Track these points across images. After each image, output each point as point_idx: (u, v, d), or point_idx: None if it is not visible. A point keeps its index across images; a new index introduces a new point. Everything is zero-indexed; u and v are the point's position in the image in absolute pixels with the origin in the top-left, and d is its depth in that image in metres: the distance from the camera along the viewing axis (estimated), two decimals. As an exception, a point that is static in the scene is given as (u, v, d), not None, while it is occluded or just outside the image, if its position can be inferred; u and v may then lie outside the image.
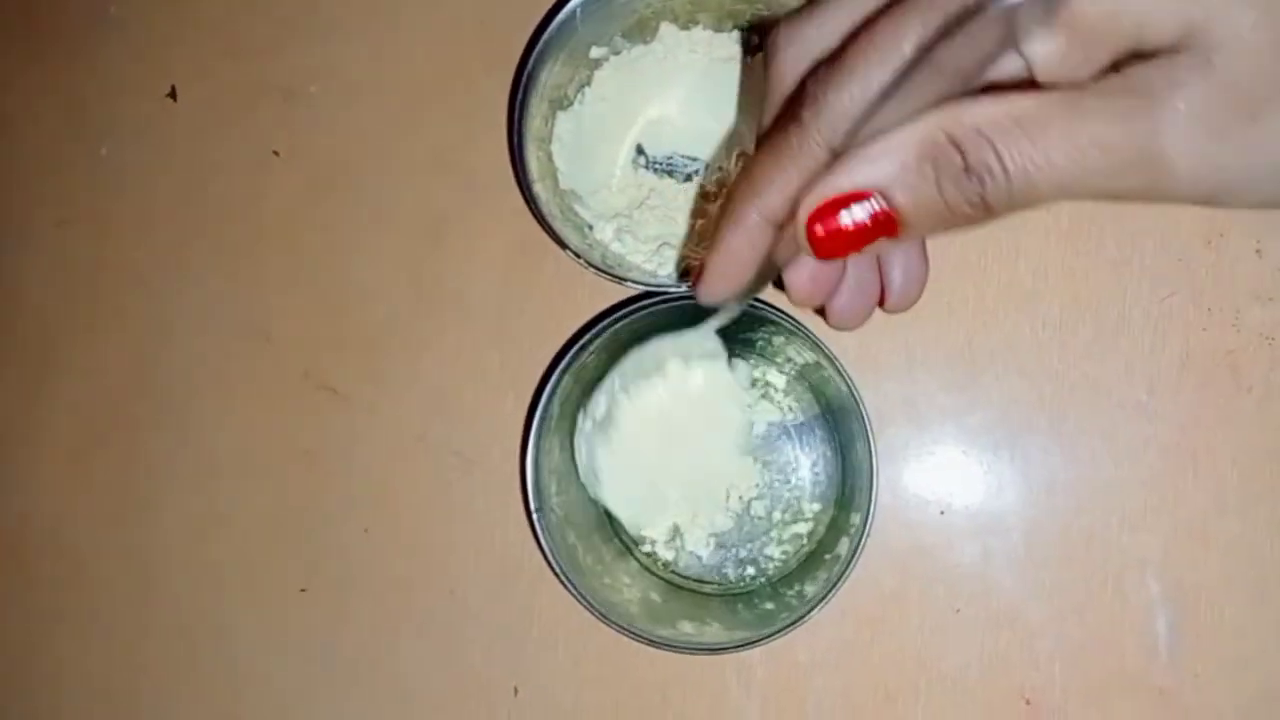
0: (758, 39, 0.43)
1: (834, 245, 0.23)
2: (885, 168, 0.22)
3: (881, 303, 0.30)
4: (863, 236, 0.23)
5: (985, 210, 0.22)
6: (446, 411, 0.47)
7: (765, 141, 0.26)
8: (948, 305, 0.43)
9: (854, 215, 0.23)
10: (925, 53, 0.21)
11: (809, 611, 0.37)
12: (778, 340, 0.42)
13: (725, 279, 0.28)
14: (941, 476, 0.43)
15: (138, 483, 0.50)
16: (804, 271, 0.28)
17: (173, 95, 0.51)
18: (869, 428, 0.38)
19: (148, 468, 0.50)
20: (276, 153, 0.50)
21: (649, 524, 0.43)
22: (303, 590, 0.48)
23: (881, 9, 0.23)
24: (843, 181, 0.23)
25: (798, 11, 0.25)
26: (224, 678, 0.49)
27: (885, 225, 0.23)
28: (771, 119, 0.26)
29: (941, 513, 0.43)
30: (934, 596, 0.42)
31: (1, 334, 0.52)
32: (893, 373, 0.43)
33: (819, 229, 0.23)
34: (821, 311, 0.30)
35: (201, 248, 0.50)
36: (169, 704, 0.49)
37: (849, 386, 0.38)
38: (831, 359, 0.38)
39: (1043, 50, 0.21)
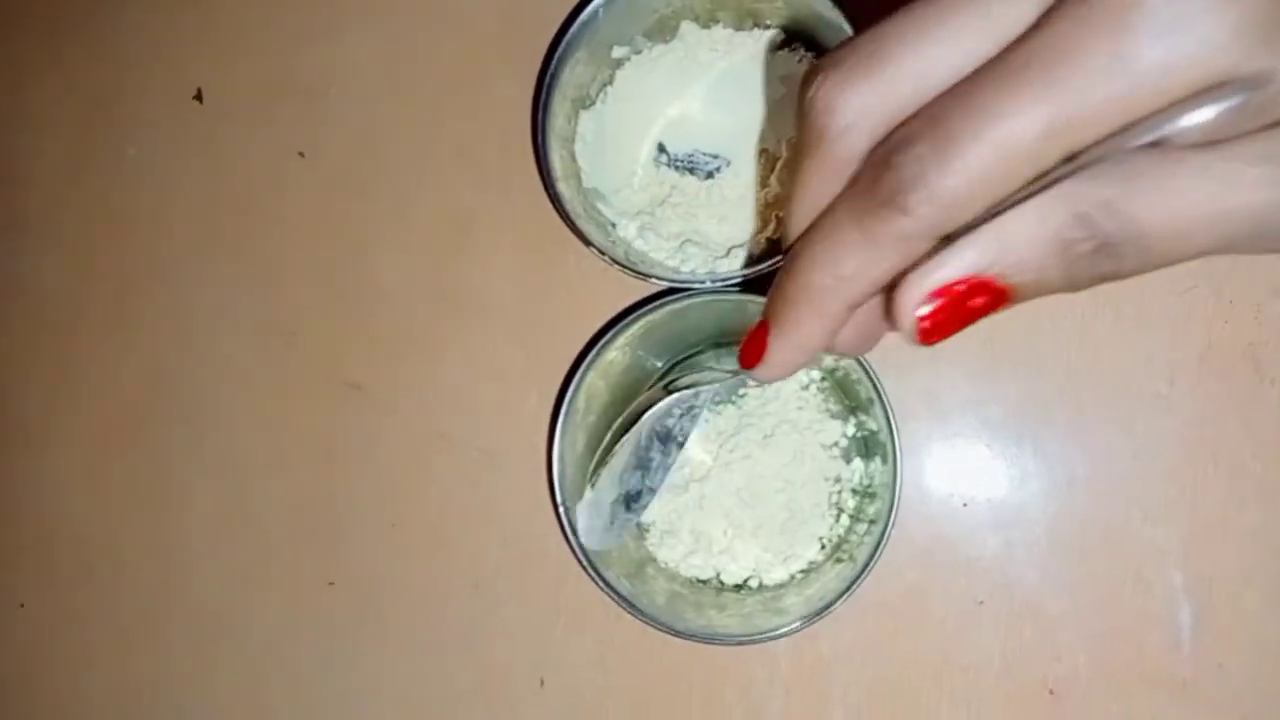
0: (783, 36, 0.44)
1: (942, 331, 0.21)
2: (1008, 253, 0.19)
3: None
4: (972, 317, 0.20)
5: (1116, 278, 0.19)
6: (470, 408, 0.48)
7: (841, 216, 0.21)
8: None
9: (973, 301, 0.20)
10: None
11: (834, 603, 0.38)
12: None
13: (790, 365, 0.24)
14: (963, 469, 0.43)
15: (162, 480, 0.51)
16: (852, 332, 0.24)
17: (199, 97, 0.51)
18: (893, 424, 0.38)
19: (172, 465, 0.51)
20: (301, 153, 0.50)
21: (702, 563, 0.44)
22: (331, 584, 0.49)
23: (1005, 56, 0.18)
24: (956, 269, 0.19)
25: (850, 53, 0.20)
26: (251, 672, 0.49)
27: (997, 301, 0.20)
28: (823, 186, 0.22)
29: (964, 505, 0.43)
30: (956, 589, 0.43)
31: (27, 332, 0.53)
32: (914, 365, 0.43)
33: (926, 320, 0.20)
34: None
35: (226, 247, 0.51)
36: (196, 698, 0.50)
37: (873, 382, 0.38)
38: (859, 357, 0.38)
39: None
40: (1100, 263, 0.19)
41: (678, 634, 0.39)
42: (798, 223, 0.22)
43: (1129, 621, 0.41)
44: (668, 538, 0.44)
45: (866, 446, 0.43)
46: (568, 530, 0.40)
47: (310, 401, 0.49)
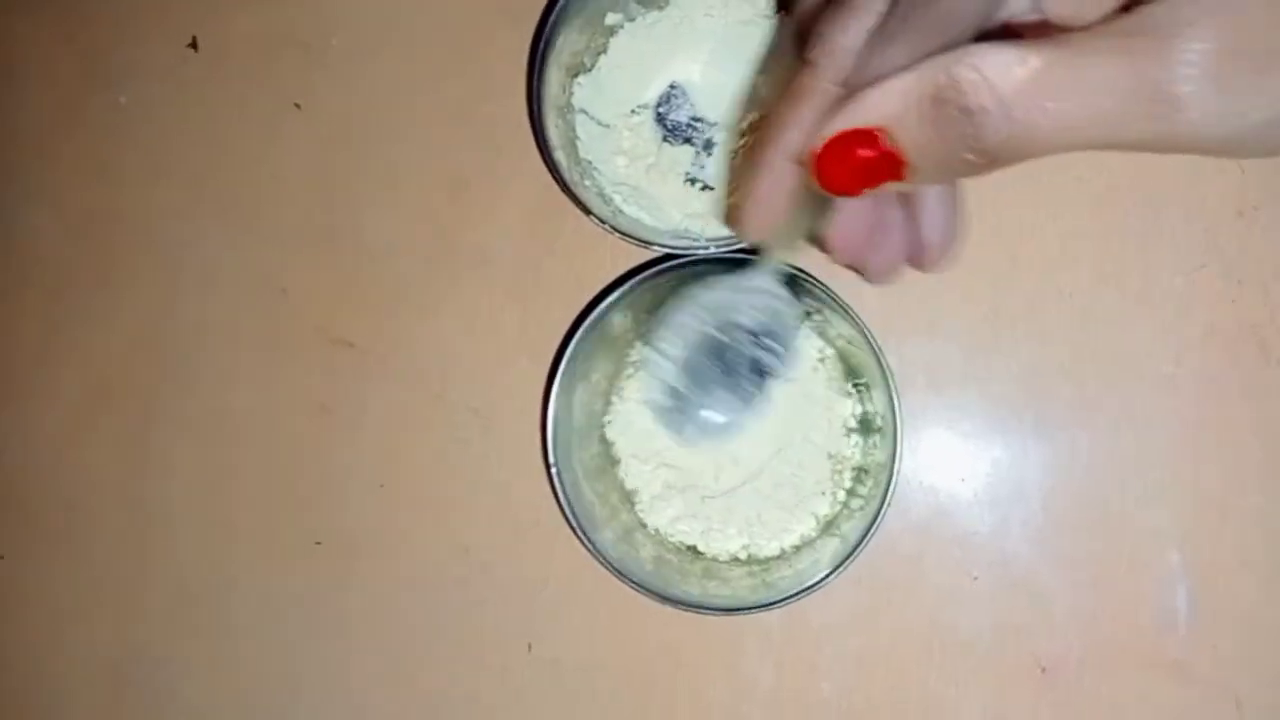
0: None
1: (840, 179, 0.24)
2: (888, 106, 0.23)
3: (916, 261, 0.30)
4: (868, 173, 0.24)
5: (985, 156, 0.21)
6: (463, 369, 0.47)
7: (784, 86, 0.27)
8: (972, 271, 0.42)
9: (860, 152, 0.24)
10: None
11: (827, 576, 0.37)
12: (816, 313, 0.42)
13: (759, 217, 0.29)
14: (962, 443, 0.43)
15: (150, 436, 0.50)
16: (838, 228, 0.29)
17: (193, 45, 0.50)
18: (895, 400, 0.37)
19: (160, 421, 0.50)
20: (297, 105, 0.49)
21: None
22: (317, 543, 0.48)
23: None
24: (848, 118, 0.24)
25: None
26: (237, 631, 0.49)
27: (890, 165, 0.23)
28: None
29: (961, 480, 0.43)
30: (951, 563, 0.42)
31: (15, 283, 0.52)
32: (915, 337, 0.43)
33: (826, 163, 0.24)
34: (854, 267, 0.30)
35: (219, 199, 0.50)
36: (180, 658, 0.49)
37: (877, 355, 0.37)
38: (862, 327, 0.38)
39: None
40: (967, 127, 0.21)
41: (666, 600, 0.39)
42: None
43: (1124, 601, 0.41)
44: (657, 502, 0.43)
45: (866, 421, 0.42)
46: (558, 493, 0.40)
47: (301, 358, 0.49)
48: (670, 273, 0.39)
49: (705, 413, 0.37)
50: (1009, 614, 0.42)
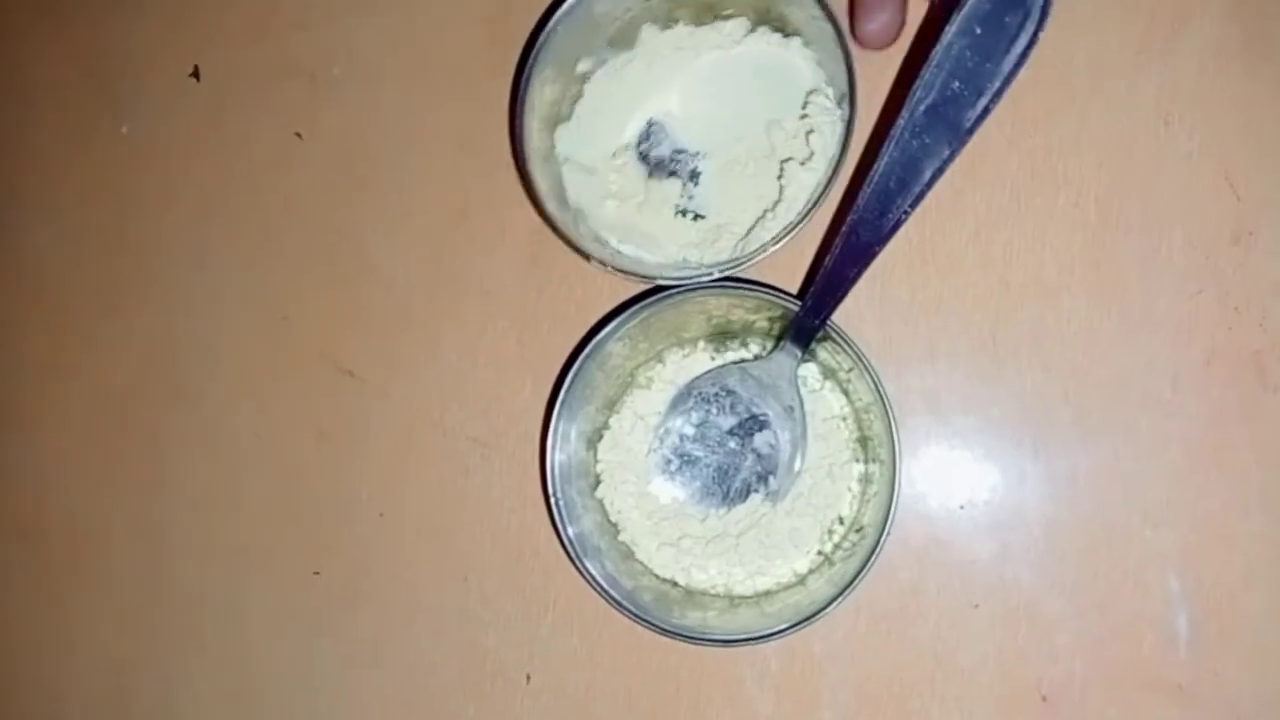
0: (749, 23, 0.43)
1: None
2: None
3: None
4: None
5: None
6: (464, 396, 0.47)
7: None
8: (972, 297, 0.42)
9: None
10: None
11: (827, 606, 0.37)
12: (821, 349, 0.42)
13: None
14: (961, 470, 0.43)
15: (152, 461, 0.50)
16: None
17: (195, 75, 0.51)
18: (894, 430, 0.37)
19: (163, 447, 0.50)
20: (299, 134, 0.49)
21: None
22: (316, 573, 0.48)
23: None
24: None
25: None
26: (235, 658, 0.49)
27: None
28: None
29: (961, 506, 0.42)
30: (951, 591, 0.42)
31: (20, 309, 0.52)
32: (915, 364, 0.43)
33: None
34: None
35: (221, 227, 0.50)
36: (180, 682, 0.49)
37: (874, 381, 0.37)
38: (860, 356, 0.38)
39: None
40: None
41: (666, 632, 0.38)
42: None
43: (1125, 626, 0.41)
44: (641, 536, 0.43)
45: (865, 448, 0.42)
46: (559, 522, 0.40)
47: (302, 386, 0.49)
48: (669, 299, 0.39)
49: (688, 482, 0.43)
50: (1010, 641, 0.41)
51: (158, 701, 0.50)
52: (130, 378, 0.51)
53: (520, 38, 0.45)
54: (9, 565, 0.52)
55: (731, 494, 0.42)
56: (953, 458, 0.43)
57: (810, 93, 0.42)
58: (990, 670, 0.41)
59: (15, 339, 0.52)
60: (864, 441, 0.42)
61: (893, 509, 0.37)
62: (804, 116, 0.42)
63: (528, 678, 0.45)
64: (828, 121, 0.41)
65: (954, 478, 0.43)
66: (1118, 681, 0.41)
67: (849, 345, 0.38)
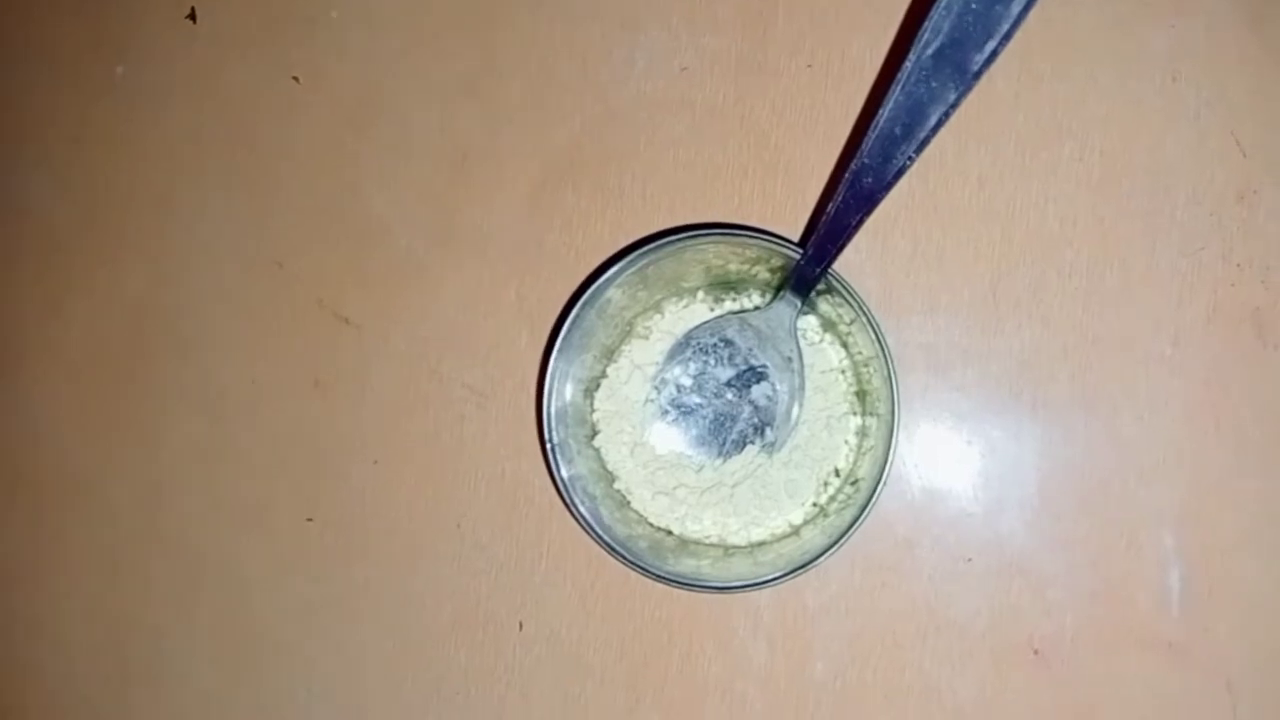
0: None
1: None
2: None
3: None
4: None
5: None
6: (460, 344, 0.47)
7: None
8: (974, 251, 0.42)
9: None
10: None
11: (820, 555, 0.37)
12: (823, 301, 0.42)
13: None
14: (959, 424, 0.42)
15: (147, 407, 0.50)
16: None
17: (192, 16, 0.50)
18: (895, 384, 0.37)
19: (157, 392, 0.50)
20: (296, 78, 0.49)
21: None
22: (309, 520, 0.48)
23: None
24: None
25: None
26: (228, 604, 0.49)
27: None
28: None
29: (958, 460, 0.42)
30: (945, 544, 0.42)
31: (13, 253, 0.52)
32: (915, 317, 0.42)
33: None
34: None
35: (216, 172, 0.50)
36: (174, 629, 0.49)
37: (877, 337, 0.37)
38: (862, 307, 0.37)
39: None
40: None
41: (658, 577, 0.38)
42: None
43: (1119, 582, 0.41)
44: (636, 485, 0.43)
45: (863, 401, 0.42)
46: (553, 465, 0.39)
47: (298, 332, 0.48)
48: (669, 247, 0.39)
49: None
50: (1003, 595, 0.42)
51: (152, 650, 0.50)
52: (125, 325, 0.50)
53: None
54: (3, 520, 0.51)
55: (728, 445, 0.42)
56: (951, 412, 0.43)
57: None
58: (983, 624, 0.42)
59: (8, 286, 0.52)
60: (862, 395, 0.42)
61: (889, 462, 0.37)
62: None
63: (520, 625, 0.45)
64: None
65: (951, 432, 0.43)
66: (1110, 637, 0.41)
67: (851, 295, 0.38)
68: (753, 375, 0.42)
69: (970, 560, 0.42)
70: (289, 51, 0.49)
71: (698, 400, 0.42)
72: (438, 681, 0.46)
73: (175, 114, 0.50)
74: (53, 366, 0.51)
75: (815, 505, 0.42)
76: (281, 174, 0.49)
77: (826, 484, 0.42)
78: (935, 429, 0.43)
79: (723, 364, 0.42)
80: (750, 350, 0.42)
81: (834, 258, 0.37)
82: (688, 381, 0.42)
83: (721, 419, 0.42)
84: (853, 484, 0.41)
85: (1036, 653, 0.41)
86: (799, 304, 0.40)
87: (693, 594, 0.41)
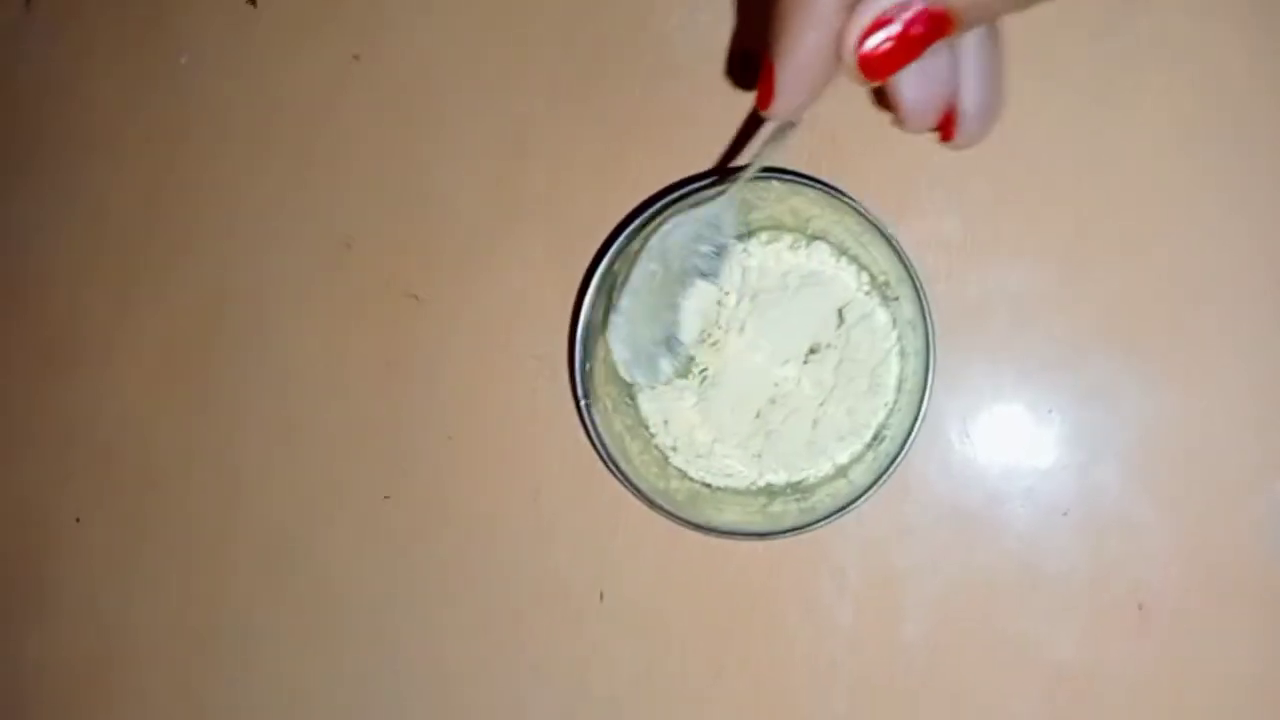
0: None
1: (889, 60, 0.23)
2: None
3: (949, 132, 0.28)
4: (919, 42, 0.23)
5: None
6: (530, 317, 0.46)
7: None
8: (1059, 193, 0.40)
9: (904, 20, 0.22)
10: None
11: (859, 497, 0.36)
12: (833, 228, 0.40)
13: (800, 86, 0.25)
14: (1048, 375, 0.41)
15: (222, 392, 0.50)
16: (912, 83, 0.26)
17: (251, 1, 0.50)
18: (927, 308, 0.36)
19: (233, 378, 0.50)
20: (356, 57, 0.49)
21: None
22: (386, 498, 0.48)
23: None
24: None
25: None
26: (308, 585, 0.49)
27: (938, 24, 0.22)
28: None
29: (1049, 411, 0.41)
30: (1039, 499, 0.41)
31: (91, 251, 0.53)
32: (999, 264, 0.41)
33: (872, 45, 0.23)
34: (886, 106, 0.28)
35: (281, 155, 0.50)
36: (257, 611, 0.50)
37: (905, 264, 0.35)
38: (900, 253, 0.36)
39: None
40: None
41: (698, 528, 0.38)
42: None
43: (1226, 534, 0.39)
44: (674, 441, 0.42)
45: (901, 338, 0.40)
46: (588, 424, 0.39)
47: (368, 312, 0.48)
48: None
49: (670, 338, 0.39)
50: (1103, 549, 0.40)
51: (237, 634, 0.50)
52: (199, 312, 0.51)
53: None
54: (78, 502, 0.52)
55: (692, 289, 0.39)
56: (1038, 362, 0.41)
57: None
58: (1082, 579, 0.40)
59: (88, 283, 0.53)
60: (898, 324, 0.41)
61: (927, 391, 0.35)
62: None
63: (601, 595, 0.45)
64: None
65: (1040, 382, 0.41)
66: (1219, 591, 0.39)
67: (893, 242, 0.35)
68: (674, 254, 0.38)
69: (1066, 514, 0.40)
70: (349, 31, 0.49)
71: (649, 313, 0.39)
72: (520, 654, 0.46)
73: (239, 99, 0.51)
74: (133, 357, 0.52)
75: (864, 445, 0.41)
76: (346, 154, 0.49)
77: (869, 425, 0.41)
78: (1023, 379, 0.41)
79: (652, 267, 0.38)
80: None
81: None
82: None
83: (672, 286, 0.39)
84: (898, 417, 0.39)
85: (1141, 607, 0.39)
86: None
87: (775, 558, 0.40)
